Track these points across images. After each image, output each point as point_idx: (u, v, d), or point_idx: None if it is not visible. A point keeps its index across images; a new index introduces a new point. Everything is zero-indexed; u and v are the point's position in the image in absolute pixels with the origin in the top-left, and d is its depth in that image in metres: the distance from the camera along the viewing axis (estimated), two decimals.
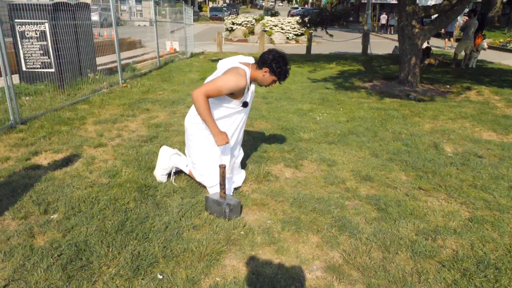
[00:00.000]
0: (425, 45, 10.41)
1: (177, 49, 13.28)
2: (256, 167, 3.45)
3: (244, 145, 4.03)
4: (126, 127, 4.57)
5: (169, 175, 3.13)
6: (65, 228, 2.40)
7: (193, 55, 12.76)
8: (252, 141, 4.15)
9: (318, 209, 2.75)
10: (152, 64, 10.13)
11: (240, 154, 3.09)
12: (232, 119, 2.78)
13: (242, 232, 2.43)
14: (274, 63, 2.64)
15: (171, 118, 5.04)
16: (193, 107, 2.80)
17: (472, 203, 2.89)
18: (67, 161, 3.47)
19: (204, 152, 2.79)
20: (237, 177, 3.06)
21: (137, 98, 6.12)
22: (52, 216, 2.55)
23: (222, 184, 2.55)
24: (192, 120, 2.79)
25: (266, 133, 4.46)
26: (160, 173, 3.07)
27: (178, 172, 3.17)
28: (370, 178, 3.29)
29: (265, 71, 2.67)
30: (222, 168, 2.51)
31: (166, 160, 3.05)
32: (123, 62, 8.29)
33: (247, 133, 4.39)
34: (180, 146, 3.93)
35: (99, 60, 7.82)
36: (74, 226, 2.42)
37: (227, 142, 2.62)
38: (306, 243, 2.35)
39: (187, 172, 3.02)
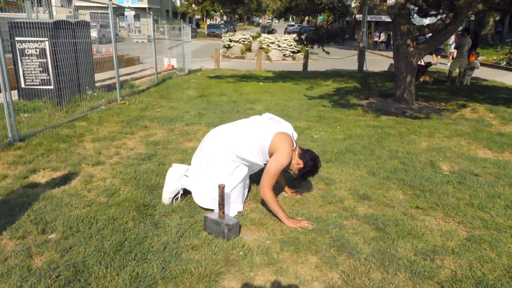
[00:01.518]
0: (423, 61, 10.57)
1: (175, 66, 13.38)
2: (254, 186, 3.45)
3: None
4: (124, 145, 4.58)
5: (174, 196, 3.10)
6: (63, 248, 2.39)
7: (190, 71, 12.85)
8: None
9: (316, 228, 2.75)
10: (150, 80, 10.19)
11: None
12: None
13: (241, 253, 2.43)
14: (309, 167, 2.93)
15: (169, 135, 5.05)
16: (223, 132, 2.94)
17: (469, 222, 2.91)
18: (65, 179, 3.46)
19: (223, 179, 2.81)
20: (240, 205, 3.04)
21: (135, 115, 6.14)
22: (50, 236, 2.54)
23: (221, 204, 2.56)
24: (227, 148, 2.83)
25: None
26: (168, 196, 3.03)
27: (185, 194, 3.15)
28: (367, 197, 3.30)
29: (299, 164, 2.94)
30: (222, 188, 2.52)
31: (175, 182, 3.02)
32: (121, 78, 8.34)
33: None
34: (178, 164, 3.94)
35: (98, 76, 7.87)
36: (72, 246, 2.41)
37: (300, 227, 2.73)
38: (305, 264, 2.35)
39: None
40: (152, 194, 3.21)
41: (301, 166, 2.94)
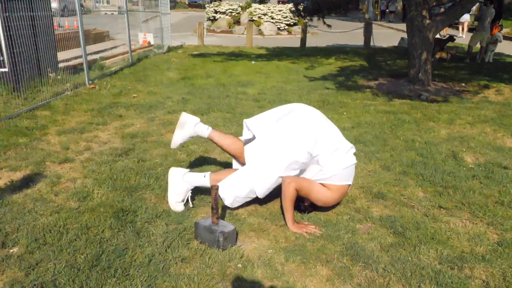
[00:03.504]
0: (443, 33, 10.58)
1: (152, 42, 13.23)
2: None
3: None
4: (96, 138, 4.51)
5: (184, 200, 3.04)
6: (28, 265, 2.33)
7: (170, 49, 12.74)
8: None
9: (326, 234, 2.73)
10: (123, 60, 10.07)
11: None
12: None
13: (240, 265, 2.40)
14: None
15: (149, 126, 4.99)
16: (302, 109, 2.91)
17: (500, 224, 2.92)
18: (27, 181, 3.39)
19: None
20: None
21: (107, 102, 6.05)
22: (11, 250, 2.47)
23: (215, 209, 2.52)
24: (310, 149, 2.75)
25: None
26: (174, 200, 2.96)
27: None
28: (383, 196, 3.30)
29: None
30: (215, 190, 2.48)
31: (179, 182, 2.95)
32: (89, 58, 8.19)
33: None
34: (161, 160, 3.89)
35: (61, 55, 7.69)
36: (39, 262, 2.35)
37: (307, 232, 2.75)
38: (314, 277, 2.33)
39: (208, 184, 2.94)
40: (131, 197, 3.15)
41: None
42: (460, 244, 2.67)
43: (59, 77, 6.91)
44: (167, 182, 3.07)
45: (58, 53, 7.51)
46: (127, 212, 2.92)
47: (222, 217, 2.90)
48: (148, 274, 2.27)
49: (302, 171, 2.87)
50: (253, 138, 3.04)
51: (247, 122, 3.10)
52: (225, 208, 3.02)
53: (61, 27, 10.53)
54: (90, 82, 7.23)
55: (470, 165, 3.96)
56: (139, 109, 5.71)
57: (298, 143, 2.75)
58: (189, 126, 3.13)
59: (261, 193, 2.86)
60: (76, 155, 4.00)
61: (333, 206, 3.07)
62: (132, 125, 5.02)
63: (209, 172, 3.01)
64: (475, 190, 3.42)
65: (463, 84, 7.89)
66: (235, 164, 3.19)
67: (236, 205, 2.92)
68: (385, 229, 2.83)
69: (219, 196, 2.84)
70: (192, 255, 2.47)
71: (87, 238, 2.59)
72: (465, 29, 17.86)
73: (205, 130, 3.13)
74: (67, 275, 2.24)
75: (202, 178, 2.97)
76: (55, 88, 6.47)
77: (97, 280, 2.21)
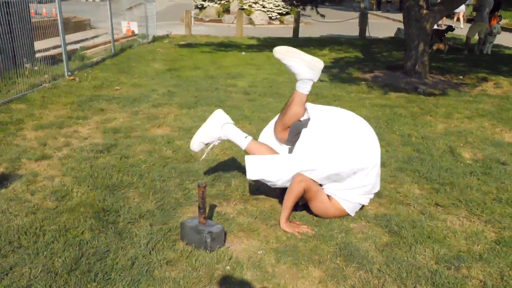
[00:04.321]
0: (441, 25, 10.64)
1: (136, 32, 13.17)
2: (240, 182, 3.41)
3: (224, 153, 4.00)
4: (76, 133, 4.47)
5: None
6: (1, 269, 2.29)
7: (156, 38, 12.67)
8: (234, 149, 4.10)
9: (318, 234, 2.73)
10: (105, 50, 9.98)
11: None
12: None
13: (228, 267, 2.39)
14: None
15: (133, 120, 4.95)
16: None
17: (498, 222, 2.95)
18: (1, 180, 3.34)
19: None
20: None
21: (88, 94, 5.99)
22: None
23: (202, 208, 2.51)
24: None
25: None
26: (199, 140, 2.99)
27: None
28: (378, 193, 3.28)
29: None
30: (202, 188, 2.46)
31: (216, 127, 2.95)
32: (69, 48, 8.10)
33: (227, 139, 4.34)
34: (145, 156, 3.86)
35: (38, 45, 7.60)
36: (13, 267, 2.32)
37: (299, 232, 2.74)
38: (306, 279, 2.33)
39: (243, 146, 2.94)
40: (113, 196, 3.13)
41: None
42: (457, 243, 2.69)
43: (36, 68, 6.83)
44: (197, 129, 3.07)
45: (35, 42, 7.42)
46: (108, 212, 2.89)
47: (210, 216, 2.89)
48: (131, 278, 2.25)
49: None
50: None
51: (309, 106, 3.04)
52: (212, 207, 3.01)
53: (39, 14, 10.39)
54: (70, 73, 7.15)
55: (467, 161, 3.99)
56: (122, 102, 5.66)
57: (351, 160, 2.74)
58: (215, 124, 3.00)
59: (282, 186, 2.85)
60: (54, 152, 3.95)
61: None
62: (114, 119, 4.98)
63: (251, 137, 2.98)
64: (473, 187, 3.45)
65: (461, 77, 7.94)
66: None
67: (253, 178, 2.89)
68: (380, 228, 2.84)
69: (247, 164, 2.83)
70: (178, 257, 2.46)
71: (65, 240, 2.56)
72: (462, 19, 18.02)
73: (242, 139, 2.98)
74: (44, 280, 2.21)
75: (241, 138, 2.96)
76: (32, 80, 6.38)
77: (76, 285, 2.19)
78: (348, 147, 2.77)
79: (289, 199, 2.78)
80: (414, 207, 3.14)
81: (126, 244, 2.55)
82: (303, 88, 2.98)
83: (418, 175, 3.65)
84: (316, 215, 2.95)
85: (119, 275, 2.27)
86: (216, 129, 3.00)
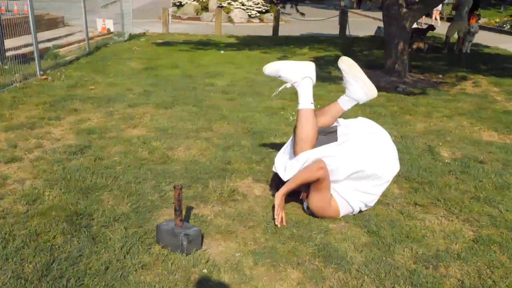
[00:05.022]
0: (420, 24, 10.81)
1: (112, 30, 13.07)
2: (218, 183, 3.41)
3: (202, 154, 3.99)
4: (48, 134, 4.40)
5: None
6: None
7: (132, 36, 12.58)
8: (212, 149, 4.10)
9: (297, 235, 2.75)
10: (80, 49, 9.88)
11: None
12: None
13: (205, 270, 2.38)
14: None
15: (107, 121, 4.90)
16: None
17: (476, 220, 3.01)
18: None
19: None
20: None
21: (61, 94, 5.90)
22: None
23: (178, 210, 2.49)
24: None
25: (229, 138, 4.43)
26: (277, 68, 3.12)
27: None
28: None
29: None
30: (178, 190, 2.45)
31: (299, 74, 3.04)
32: (41, 46, 8.01)
33: (205, 139, 4.34)
34: (120, 158, 3.82)
35: (9, 43, 7.47)
36: None
37: (277, 215, 2.82)
38: (285, 281, 2.34)
39: (300, 106, 3.02)
40: (87, 199, 3.09)
41: None
42: (435, 242, 2.74)
43: (6, 67, 6.74)
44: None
45: (5, 40, 7.31)
46: (81, 216, 2.85)
47: (187, 219, 2.88)
48: (105, 283, 2.23)
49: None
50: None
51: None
52: (189, 209, 3.00)
53: (9, 11, 10.20)
54: (42, 72, 7.05)
55: (446, 160, 4.06)
56: (97, 102, 5.60)
57: (379, 162, 2.87)
58: (300, 70, 3.05)
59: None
60: (25, 154, 3.88)
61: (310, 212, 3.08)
62: (88, 120, 4.92)
63: (313, 107, 3.03)
64: (451, 186, 3.51)
65: (441, 76, 8.09)
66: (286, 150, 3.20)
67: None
68: (359, 228, 2.87)
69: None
70: (154, 260, 2.44)
71: (36, 245, 2.52)
72: (438, 18, 18.42)
73: (307, 101, 3.02)
74: (13, 287, 2.17)
75: (307, 101, 3.01)
76: (2, 79, 6.28)
77: None
78: (381, 150, 2.92)
79: (300, 178, 2.81)
80: (393, 206, 3.17)
81: (99, 248, 2.52)
82: (346, 105, 3.13)
83: (397, 175, 3.65)
84: (306, 210, 3.00)
85: (92, 280, 2.25)
86: (298, 74, 3.06)
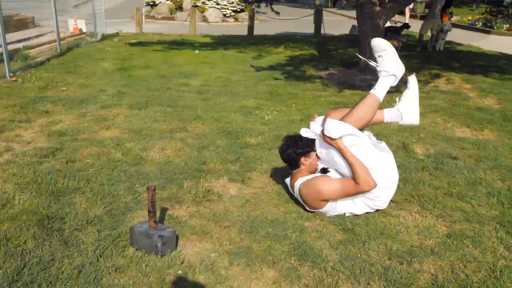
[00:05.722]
0: (394, 22, 10.95)
1: (84, 30, 12.86)
2: (193, 183, 3.40)
3: (176, 155, 3.98)
4: (18, 137, 4.32)
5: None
6: None
7: (105, 37, 12.42)
8: (187, 150, 4.09)
9: (272, 234, 2.76)
10: (51, 50, 9.71)
11: None
12: None
13: (180, 271, 2.38)
14: (298, 150, 3.05)
15: (80, 122, 4.84)
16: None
17: (449, 216, 3.08)
18: None
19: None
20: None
21: (32, 96, 5.81)
22: None
23: (152, 211, 2.48)
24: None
25: (204, 138, 4.42)
26: (382, 44, 3.31)
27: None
28: None
29: (304, 161, 3.07)
30: (151, 191, 2.44)
31: (383, 50, 3.34)
32: (10, 47, 7.84)
33: (179, 140, 4.32)
34: (93, 160, 3.78)
35: None
36: None
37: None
38: (260, 280, 2.36)
39: (372, 91, 3.23)
40: (59, 202, 3.05)
41: (302, 157, 3.10)
42: (409, 238, 2.79)
43: None
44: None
45: None
46: (53, 219, 2.81)
47: (161, 220, 2.87)
48: (78, 287, 2.21)
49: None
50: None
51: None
52: (164, 210, 2.99)
53: None
54: (12, 74, 6.92)
55: (420, 157, 4.15)
56: (69, 103, 5.52)
57: (387, 170, 3.01)
58: (395, 66, 3.33)
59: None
60: None
61: (301, 204, 3.10)
62: (60, 122, 4.85)
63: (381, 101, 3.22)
64: (425, 182, 3.58)
65: (414, 73, 8.21)
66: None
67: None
68: (334, 226, 2.90)
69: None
70: (128, 263, 2.42)
71: (6, 250, 2.48)
72: (407, 15, 18.76)
73: (382, 91, 3.26)
74: None
75: (381, 92, 3.26)
76: None
77: None
78: (392, 175, 3.05)
79: (359, 168, 2.84)
80: None
81: (72, 252, 2.49)
82: (389, 117, 3.40)
83: None
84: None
85: (65, 285, 2.22)
86: (394, 69, 3.33)
